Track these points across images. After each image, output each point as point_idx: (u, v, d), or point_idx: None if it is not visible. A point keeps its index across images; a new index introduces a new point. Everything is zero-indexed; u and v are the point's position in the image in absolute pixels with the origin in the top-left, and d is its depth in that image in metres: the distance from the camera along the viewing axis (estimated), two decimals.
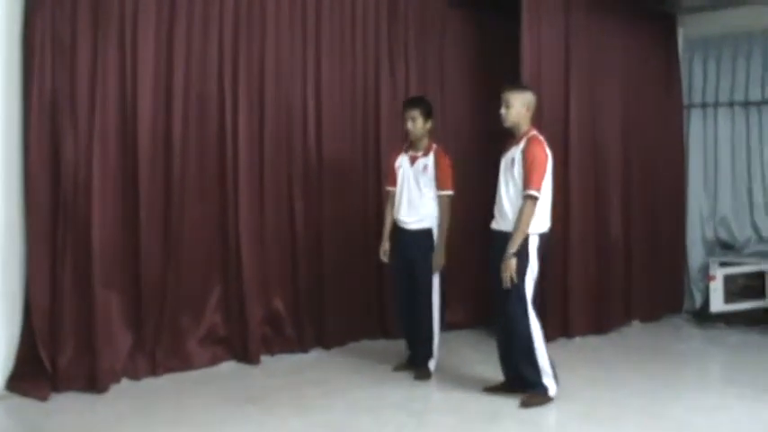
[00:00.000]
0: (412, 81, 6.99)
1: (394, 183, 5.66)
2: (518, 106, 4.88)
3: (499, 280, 4.75)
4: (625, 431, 4.44)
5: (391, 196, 5.69)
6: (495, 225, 4.98)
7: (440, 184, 5.51)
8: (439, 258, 5.46)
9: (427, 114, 5.56)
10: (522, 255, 4.72)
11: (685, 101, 8.13)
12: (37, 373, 4.88)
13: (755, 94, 7.76)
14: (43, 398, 4.79)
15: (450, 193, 5.53)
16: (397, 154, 5.71)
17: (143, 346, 5.36)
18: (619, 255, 7.34)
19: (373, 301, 6.70)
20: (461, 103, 7.27)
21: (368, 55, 6.71)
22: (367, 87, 6.72)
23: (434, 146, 5.60)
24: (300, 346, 6.19)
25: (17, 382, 4.90)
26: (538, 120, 6.10)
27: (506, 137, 5.05)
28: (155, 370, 5.39)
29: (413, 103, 5.66)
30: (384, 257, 5.69)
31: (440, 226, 5.49)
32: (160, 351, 5.42)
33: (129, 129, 5.30)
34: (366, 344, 6.54)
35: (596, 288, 7.05)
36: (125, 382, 5.24)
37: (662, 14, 7.73)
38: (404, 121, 5.59)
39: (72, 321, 5.03)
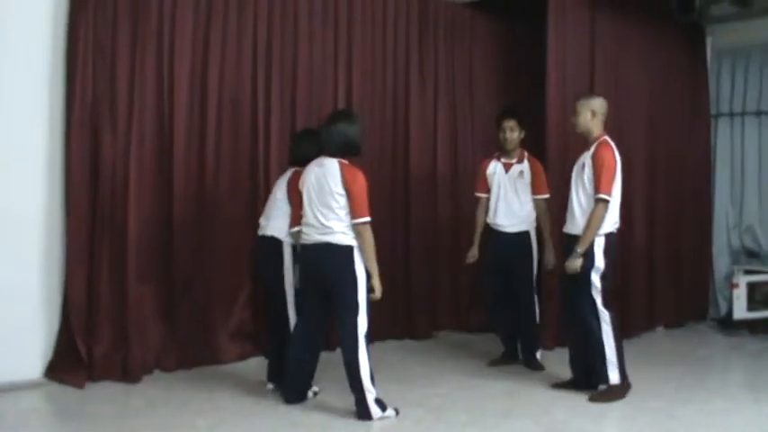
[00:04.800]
0: (441, 86, 7.15)
1: (485, 189, 5.85)
2: (584, 113, 5.16)
3: (569, 280, 5.03)
4: (636, 430, 4.53)
5: (483, 202, 5.85)
6: (565, 228, 5.20)
7: (537, 189, 5.76)
8: (551, 258, 5.72)
9: (522, 124, 5.76)
10: (588, 255, 4.96)
11: (713, 110, 8.16)
12: (74, 362, 5.09)
13: None
14: (80, 386, 5.01)
15: (547, 196, 5.78)
16: (488, 161, 5.89)
17: (175, 339, 5.55)
18: (642, 261, 7.37)
19: (399, 301, 6.82)
20: (490, 109, 7.28)
21: (398, 60, 6.87)
22: (397, 92, 6.87)
23: (525, 153, 5.81)
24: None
25: (56, 371, 5.13)
26: (562, 127, 6.24)
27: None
28: (185, 362, 5.57)
29: (511, 113, 5.81)
30: (472, 259, 5.90)
31: (539, 228, 5.75)
32: (191, 345, 5.61)
33: (165, 131, 5.51)
34: (391, 343, 6.67)
35: (619, 293, 7.09)
36: (157, 373, 5.45)
37: (690, 25, 7.74)
38: (501, 130, 5.76)
39: (107, 315, 5.25)
